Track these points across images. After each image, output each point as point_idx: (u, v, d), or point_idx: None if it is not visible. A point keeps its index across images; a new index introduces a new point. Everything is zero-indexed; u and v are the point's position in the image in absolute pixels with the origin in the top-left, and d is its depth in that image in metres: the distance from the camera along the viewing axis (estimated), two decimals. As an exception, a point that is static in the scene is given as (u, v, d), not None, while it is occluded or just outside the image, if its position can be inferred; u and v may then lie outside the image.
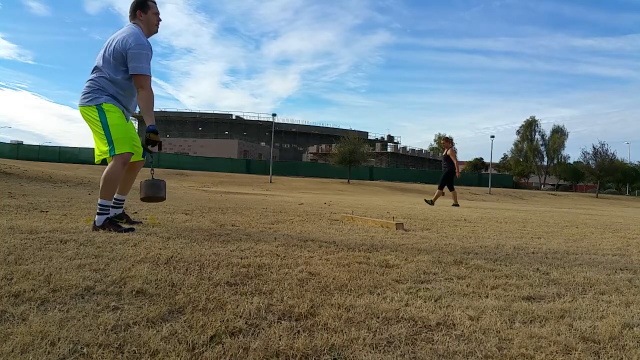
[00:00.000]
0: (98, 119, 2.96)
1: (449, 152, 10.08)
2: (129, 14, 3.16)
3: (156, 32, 3.22)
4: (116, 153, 2.94)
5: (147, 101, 2.97)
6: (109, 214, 2.97)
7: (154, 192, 3.17)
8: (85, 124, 3.10)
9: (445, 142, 10.29)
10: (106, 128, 2.94)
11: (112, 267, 1.87)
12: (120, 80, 3.00)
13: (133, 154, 3.08)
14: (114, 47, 2.96)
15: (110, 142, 2.94)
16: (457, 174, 9.91)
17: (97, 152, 3.05)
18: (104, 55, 3.00)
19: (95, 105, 2.96)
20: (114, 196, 3.32)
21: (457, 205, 9.53)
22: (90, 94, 2.98)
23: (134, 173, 3.42)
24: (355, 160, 35.24)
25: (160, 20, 3.23)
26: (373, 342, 1.24)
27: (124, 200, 3.42)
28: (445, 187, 10.13)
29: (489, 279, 2.07)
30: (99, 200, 2.96)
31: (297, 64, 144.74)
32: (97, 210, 2.94)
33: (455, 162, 9.98)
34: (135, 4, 3.12)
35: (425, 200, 10.32)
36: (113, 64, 2.97)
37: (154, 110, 3.21)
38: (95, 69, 3.04)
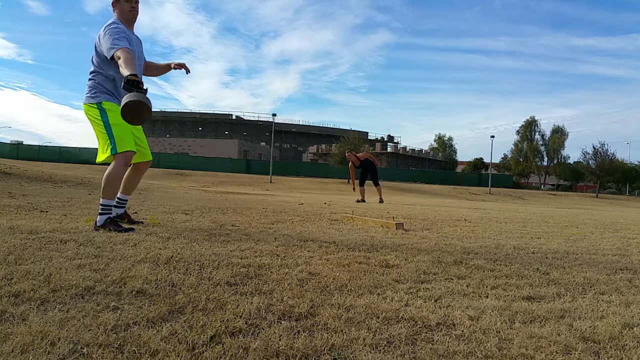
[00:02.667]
0: (99, 117, 2.98)
1: (366, 156, 10.77)
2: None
3: (133, 18, 3.12)
4: (118, 151, 2.95)
5: (123, 58, 2.71)
6: (110, 213, 2.97)
7: (139, 98, 2.57)
8: (89, 123, 3.13)
9: (351, 154, 10.87)
10: (108, 127, 2.96)
11: (112, 267, 1.87)
12: (114, 73, 3.02)
13: (135, 152, 3.08)
14: (94, 45, 3.01)
15: (112, 141, 2.96)
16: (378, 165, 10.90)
17: (100, 151, 3.06)
18: (95, 54, 3.03)
19: (96, 103, 3.00)
20: (117, 195, 3.33)
21: (364, 202, 9.85)
22: (90, 92, 3.03)
23: (139, 174, 3.43)
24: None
25: (134, 4, 3.09)
26: (373, 342, 1.24)
27: (127, 200, 3.43)
28: (357, 182, 10.81)
29: (489, 279, 2.07)
30: (101, 200, 2.96)
31: (297, 63, 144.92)
32: (99, 210, 2.95)
33: (374, 159, 10.85)
34: None
35: (363, 201, 10.29)
36: (103, 59, 2.98)
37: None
38: (92, 68, 3.06)
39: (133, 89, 2.57)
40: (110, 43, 2.82)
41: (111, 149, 2.96)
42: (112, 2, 3.12)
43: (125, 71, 2.65)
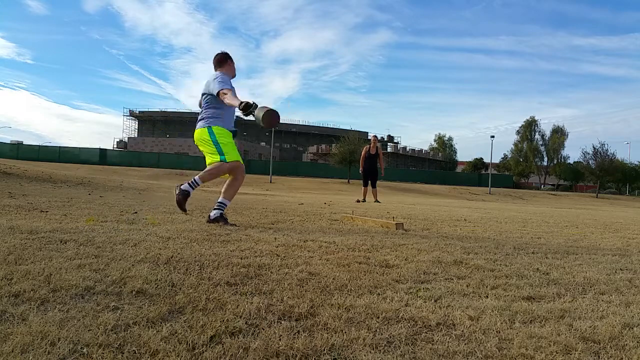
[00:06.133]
0: (209, 137, 3.75)
1: (379, 151, 10.87)
2: (214, 66, 3.99)
3: (235, 75, 4.04)
4: (227, 160, 3.70)
5: (229, 94, 3.62)
6: (223, 210, 3.70)
7: (269, 110, 3.45)
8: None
9: (375, 138, 11.14)
10: (216, 144, 3.72)
11: (112, 267, 1.87)
12: (221, 108, 3.82)
13: (242, 163, 3.81)
14: (204, 90, 3.88)
15: (221, 153, 3.71)
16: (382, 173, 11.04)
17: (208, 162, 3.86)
18: (206, 94, 3.86)
19: (207, 127, 3.78)
20: (219, 200, 3.83)
21: (365, 201, 10.01)
22: (204, 120, 3.82)
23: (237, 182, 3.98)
24: (356, 160, 35.20)
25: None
26: (373, 342, 1.24)
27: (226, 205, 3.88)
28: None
29: (489, 279, 2.07)
30: (221, 199, 3.76)
31: (297, 63, 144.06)
32: (215, 206, 3.72)
33: (381, 160, 10.94)
34: (223, 56, 3.99)
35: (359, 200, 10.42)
36: (214, 99, 3.80)
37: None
38: (205, 105, 3.87)
39: (251, 109, 3.43)
40: (219, 85, 3.68)
41: (220, 157, 3.70)
42: (228, 61, 3.98)
43: (236, 101, 3.57)
